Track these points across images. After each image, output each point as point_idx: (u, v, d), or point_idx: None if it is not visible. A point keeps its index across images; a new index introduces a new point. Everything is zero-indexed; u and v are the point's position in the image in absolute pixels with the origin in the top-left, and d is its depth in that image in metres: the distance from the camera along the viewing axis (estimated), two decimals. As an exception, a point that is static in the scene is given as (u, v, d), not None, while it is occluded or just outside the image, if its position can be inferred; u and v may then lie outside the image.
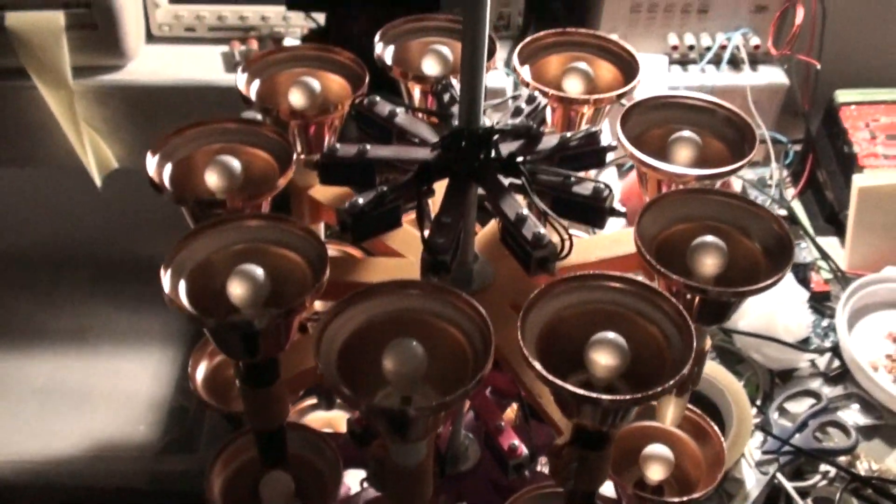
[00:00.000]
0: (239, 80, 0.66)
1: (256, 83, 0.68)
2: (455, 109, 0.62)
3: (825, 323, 1.15)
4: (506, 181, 0.58)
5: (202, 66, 1.31)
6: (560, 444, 0.54)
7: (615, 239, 0.67)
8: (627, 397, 0.48)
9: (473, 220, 0.60)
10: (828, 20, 1.28)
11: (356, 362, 0.51)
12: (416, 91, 0.70)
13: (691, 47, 1.34)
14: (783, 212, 1.29)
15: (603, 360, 0.50)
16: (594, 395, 0.48)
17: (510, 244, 0.56)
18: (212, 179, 0.59)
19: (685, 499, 0.67)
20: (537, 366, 0.49)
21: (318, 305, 0.72)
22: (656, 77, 1.31)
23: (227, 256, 0.55)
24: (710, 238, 0.56)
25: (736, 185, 1.29)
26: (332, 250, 0.76)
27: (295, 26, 1.29)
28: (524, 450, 0.66)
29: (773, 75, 1.34)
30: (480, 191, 0.58)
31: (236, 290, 0.52)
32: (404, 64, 0.71)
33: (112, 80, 1.28)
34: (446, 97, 0.64)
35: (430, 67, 0.69)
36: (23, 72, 1.23)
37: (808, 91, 1.33)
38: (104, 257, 1.52)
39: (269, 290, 0.54)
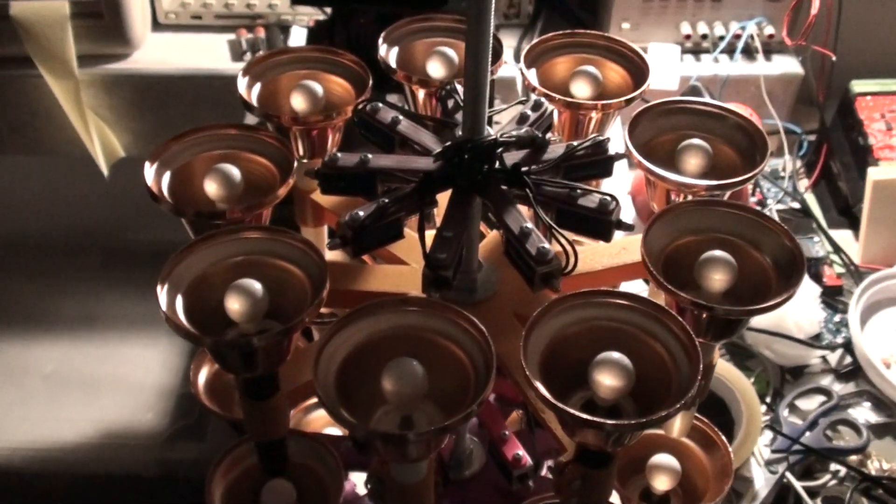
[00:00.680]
0: (240, 84, 0.65)
1: (258, 87, 0.66)
2: (459, 116, 0.61)
3: (837, 318, 1.14)
4: (510, 191, 0.57)
5: (209, 54, 1.30)
6: (563, 461, 0.54)
7: (623, 246, 0.66)
8: (631, 422, 0.47)
9: (477, 231, 0.59)
10: (844, 9, 1.26)
11: (355, 380, 0.50)
12: (421, 94, 0.69)
13: (704, 36, 1.32)
14: (796, 204, 1.27)
15: (607, 381, 0.49)
16: (597, 419, 0.47)
17: (514, 258, 0.55)
18: (211, 188, 0.58)
19: (691, 510, 0.66)
20: (539, 387, 0.48)
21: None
22: (668, 67, 1.29)
23: (224, 270, 0.54)
24: (718, 253, 0.55)
25: (748, 177, 1.28)
26: (337, 254, 0.75)
27: (302, 15, 1.27)
28: (528, 460, 0.65)
29: (788, 65, 1.33)
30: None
31: (234, 305, 0.52)
32: (409, 66, 0.69)
33: (118, 68, 1.28)
34: (451, 103, 0.63)
35: (435, 70, 0.68)
36: (29, 61, 1.23)
37: (823, 81, 1.31)
38: (112, 245, 1.52)
39: (268, 304, 0.53)
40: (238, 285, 0.52)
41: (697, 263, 0.55)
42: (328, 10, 1.11)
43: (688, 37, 1.32)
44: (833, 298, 1.16)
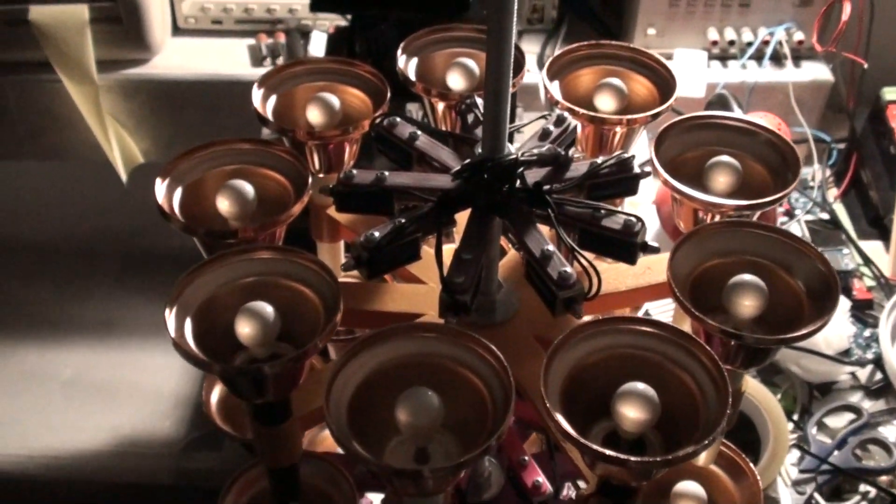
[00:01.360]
0: (254, 97, 0.63)
1: (273, 99, 0.65)
2: (479, 131, 0.59)
3: (867, 333, 1.11)
4: (531, 211, 0.55)
5: (228, 59, 1.28)
6: (586, 494, 0.52)
7: (647, 266, 0.64)
8: (656, 459, 0.45)
9: (497, 252, 0.57)
10: (876, 15, 1.23)
11: (368, 410, 0.48)
12: (440, 107, 0.67)
13: (732, 42, 1.29)
14: (825, 215, 1.24)
15: (631, 413, 0.47)
16: (619, 455, 0.45)
17: (535, 281, 0.53)
18: (223, 205, 0.57)
19: (717, 540, 0.64)
20: (560, 420, 0.46)
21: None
22: (695, 73, 1.27)
23: (235, 291, 0.52)
24: (748, 277, 0.52)
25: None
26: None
27: (323, 20, 1.26)
28: (548, 486, 0.63)
29: (818, 71, 1.30)
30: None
31: (245, 329, 0.50)
32: (429, 77, 0.67)
33: (137, 73, 1.27)
34: (471, 117, 0.61)
35: (456, 82, 0.66)
36: (48, 66, 1.22)
37: (854, 88, 1.28)
38: (132, 251, 1.51)
39: (281, 327, 0.51)
40: (249, 308, 0.50)
41: (726, 288, 0.53)
42: (349, 16, 1.09)
43: (715, 42, 1.29)
44: (863, 312, 1.13)
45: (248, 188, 0.58)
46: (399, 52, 0.67)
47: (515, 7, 0.47)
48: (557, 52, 0.68)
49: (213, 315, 0.52)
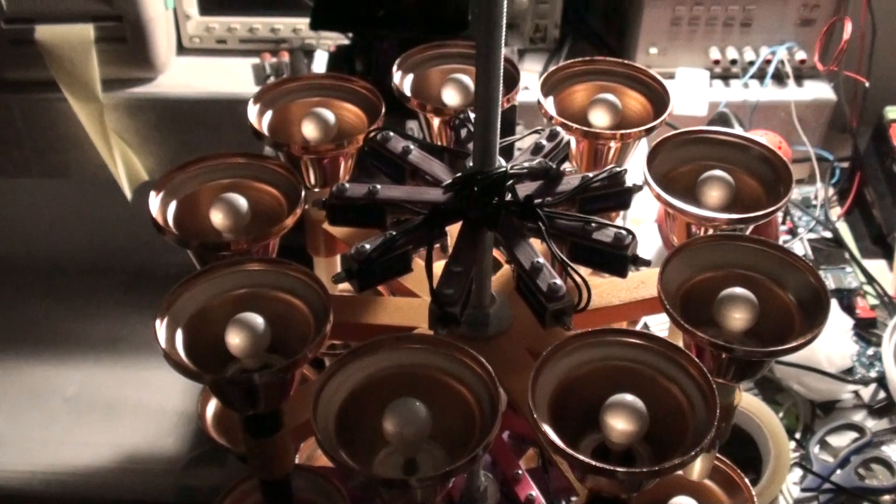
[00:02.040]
0: (250, 112, 0.64)
1: (269, 115, 0.65)
2: (472, 146, 0.59)
3: (871, 352, 1.10)
4: (522, 224, 0.55)
5: (233, 78, 1.29)
6: (575, 506, 0.52)
7: (641, 280, 0.64)
8: (644, 470, 0.45)
9: (489, 265, 0.57)
10: (878, 34, 1.23)
11: (356, 421, 0.48)
12: (436, 122, 0.67)
13: (734, 61, 1.29)
14: (828, 234, 1.24)
15: (619, 425, 0.47)
16: (607, 467, 0.44)
17: (525, 294, 0.53)
18: (217, 218, 0.57)
19: (712, 557, 0.63)
20: (548, 431, 0.46)
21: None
22: (697, 92, 1.27)
23: (226, 303, 0.52)
24: (739, 290, 0.53)
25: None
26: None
27: (326, 39, 1.27)
28: (542, 501, 0.63)
29: (820, 90, 1.30)
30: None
31: (235, 340, 0.50)
32: (424, 93, 0.68)
33: (143, 92, 1.28)
34: (464, 132, 0.61)
35: (451, 97, 0.66)
36: (54, 84, 1.23)
37: (857, 107, 1.28)
38: (136, 268, 1.52)
39: (271, 338, 0.51)
40: (239, 319, 0.50)
41: (717, 301, 0.53)
42: (350, 34, 1.10)
43: (717, 62, 1.29)
44: (866, 331, 1.12)
45: (242, 201, 0.58)
46: (395, 68, 0.68)
47: (504, 20, 0.48)
48: (552, 68, 0.68)
49: (204, 327, 0.52)
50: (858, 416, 1.04)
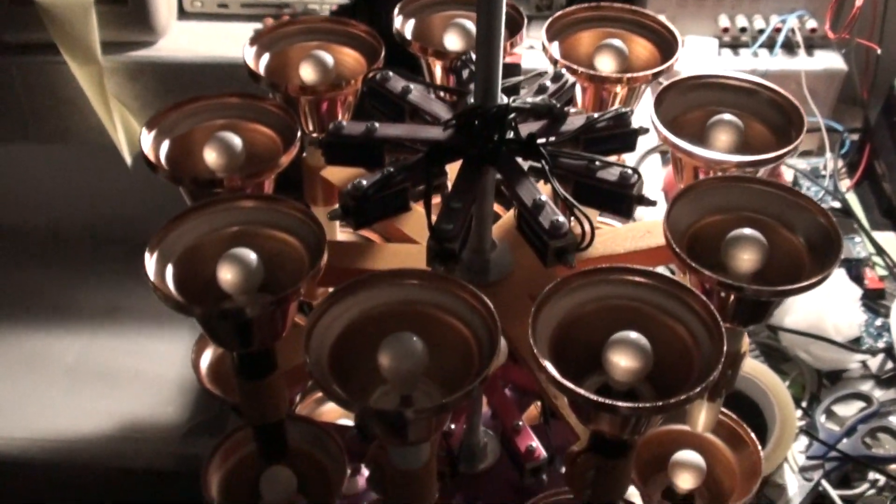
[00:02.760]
0: (247, 54, 0.62)
1: (266, 57, 0.64)
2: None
3: (879, 322, 1.09)
4: (525, 164, 0.53)
5: (234, 43, 1.27)
6: (576, 450, 0.50)
7: (647, 229, 0.62)
8: (648, 405, 0.43)
9: (490, 205, 0.55)
10: (890, 2, 1.21)
11: (351, 359, 0.47)
12: (438, 68, 0.66)
13: (743, 30, 1.27)
14: (837, 204, 1.22)
15: (623, 362, 0.45)
16: (610, 402, 0.43)
17: (526, 232, 0.52)
18: (211, 157, 0.56)
19: (716, 511, 0.62)
20: (549, 367, 0.44)
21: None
22: (705, 61, 1.25)
23: (219, 240, 0.51)
24: (747, 231, 0.51)
25: (787, 175, 1.23)
26: (347, 235, 0.73)
27: (328, 3, 1.25)
28: (542, 452, 0.62)
29: (831, 60, 1.27)
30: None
31: (226, 275, 0.49)
32: (425, 39, 0.66)
33: (143, 56, 1.26)
34: (465, 73, 0.60)
35: (452, 42, 0.64)
36: (53, 47, 1.21)
37: (868, 77, 1.26)
38: (137, 236, 1.50)
39: (264, 276, 0.50)
40: (231, 254, 0.49)
41: (724, 242, 0.51)
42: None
43: (726, 30, 1.27)
44: (875, 301, 1.11)
45: (236, 140, 0.56)
46: (396, 12, 0.66)
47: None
48: (558, 13, 0.66)
49: (197, 264, 0.51)
50: (866, 386, 1.03)
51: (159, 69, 1.26)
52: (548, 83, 0.59)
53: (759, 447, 0.63)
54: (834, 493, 0.92)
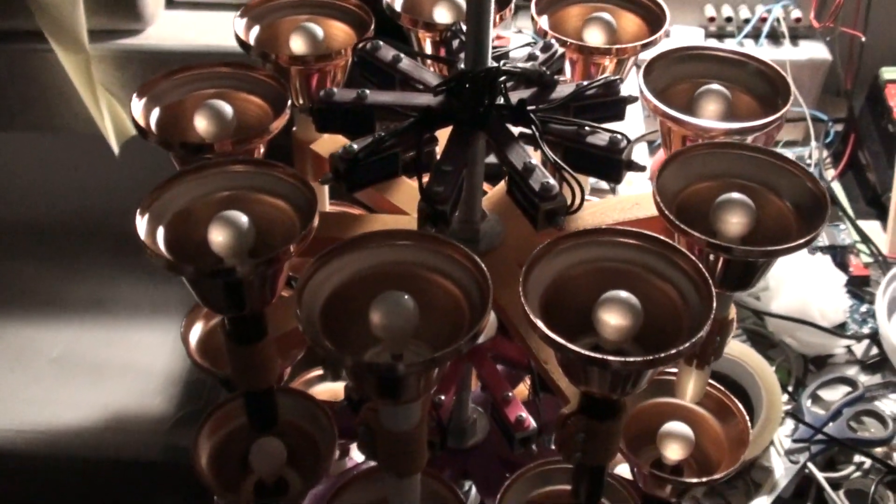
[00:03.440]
0: (236, 25, 0.62)
1: (256, 30, 0.64)
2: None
3: (864, 308, 1.09)
4: (515, 130, 0.54)
5: (222, 32, 1.27)
6: (566, 413, 0.50)
7: (636, 202, 0.63)
8: (638, 359, 0.44)
9: (480, 171, 0.55)
10: (875, -8, 1.22)
11: (343, 319, 0.47)
12: (427, 42, 0.66)
13: (729, 19, 1.28)
14: (822, 192, 1.23)
15: (613, 320, 0.46)
16: (600, 356, 0.43)
17: (517, 196, 0.52)
18: (201, 125, 0.56)
19: (705, 479, 0.62)
20: (538, 324, 0.45)
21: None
22: (691, 49, 1.26)
23: (210, 204, 0.51)
24: (735, 195, 0.51)
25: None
26: (336, 209, 0.73)
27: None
28: (532, 423, 0.62)
29: (815, 50, 1.28)
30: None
31: (218, 237, 0.49)
32: (415, 12, 0.66)
33: (130, 44, 1.26)
34: (455, 43, 0.60)
35: (442, 15, 0.65)
36: (40, 35, 1.21)
37: (852, 68, 1.27)
38: (124, 228, 1.49)
39: (255, 240, 0.50)
40: (223, 216, 0.49)
41: (713, 206, 0.52)
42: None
43: (712, 19, 1.28)
44: (860, 288, 1.12)
45: (227, 108, 0.56)
46: (385, -15, 0.66)
47: None
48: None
49: (188, 228, 0.51)
50: (851, 371, 1.04)
51: (147, 57, 1.26)
52: (537, 52, 0.59)
53: (746, 416, 0.64)
54: (820, 476, 0.92)
